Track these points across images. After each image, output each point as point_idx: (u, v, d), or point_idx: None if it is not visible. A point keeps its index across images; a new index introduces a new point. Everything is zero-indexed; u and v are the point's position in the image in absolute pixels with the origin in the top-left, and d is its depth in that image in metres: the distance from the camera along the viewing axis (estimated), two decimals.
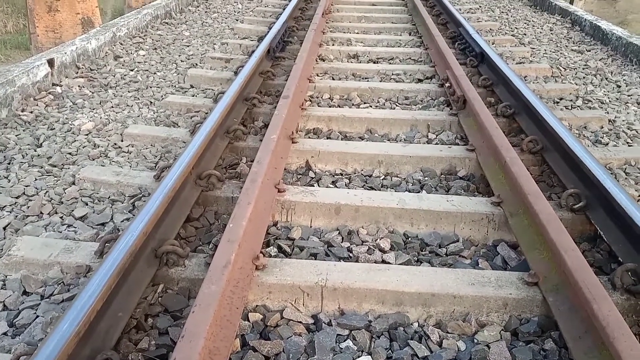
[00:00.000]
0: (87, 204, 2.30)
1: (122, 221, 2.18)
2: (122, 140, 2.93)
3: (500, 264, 2.04)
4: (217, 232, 2.19)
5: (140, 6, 22.31)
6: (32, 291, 1.79)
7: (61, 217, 2.20)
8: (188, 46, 4.85)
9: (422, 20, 5.52)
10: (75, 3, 18.07)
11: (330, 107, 3.59)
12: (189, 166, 2.30)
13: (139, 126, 3.10)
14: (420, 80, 4.13)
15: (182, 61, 4.40)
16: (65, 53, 3.96)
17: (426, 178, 2.69)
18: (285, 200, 2.33)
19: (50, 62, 3.79)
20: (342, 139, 3.14)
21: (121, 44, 4.73)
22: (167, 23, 5.66)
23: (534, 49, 5.03)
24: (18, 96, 3.41)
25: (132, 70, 4.14)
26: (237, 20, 5.95)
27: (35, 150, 2.78)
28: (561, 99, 3.80)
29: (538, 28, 5.92)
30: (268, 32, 4.86)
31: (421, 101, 3.71)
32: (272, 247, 2.09)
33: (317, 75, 4.16)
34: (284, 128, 2.83)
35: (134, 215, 2.21)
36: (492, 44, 5.04)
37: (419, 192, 2.52)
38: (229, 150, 2.87)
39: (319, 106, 3.57)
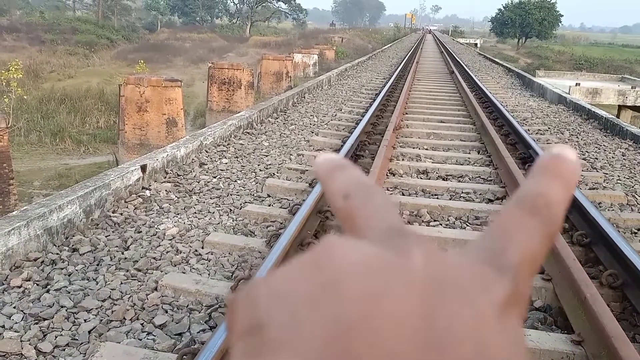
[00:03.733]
0: (167, 312, 2.40)
1: (199, 332, 2.26)
2: (202, 247, 3.09)
3: None
4: None
5: (220, 109, 23.76)
6: None
7: (142, 324, 2.31)
8: (267, 156, 5.16)
9: (491, 140, 5.63)
10: (162, 105, 19.65)
11: None
12: None
13: (219, 234, 3.26)
14: (490, 201, 4.15)
15: (260, 170, 4.68)
16: (157, 159, 4.32)
17: None
18: None
19: (143, 168, 4.12)
20: None
21: (206, 151, 5.11)
22: (248, 133, 6.08)
23: (606, 174, 4.97)
24: (111, 198, 3.71)
25: (215, 177, 4.43)
26: (312, 132, 6.31)
27: (122, 253, 2.97)
28: (639, 229, 3.68)
29: (610, 153, 5.87)
30: (342, 145, 5.11)
31: None
32: None
33: (388, 190, 4.27)
34: None
35: (210, 327, 2.29)
36: None
37: None
38: None
39: None
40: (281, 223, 3.51)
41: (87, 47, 37.60)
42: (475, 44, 57.98)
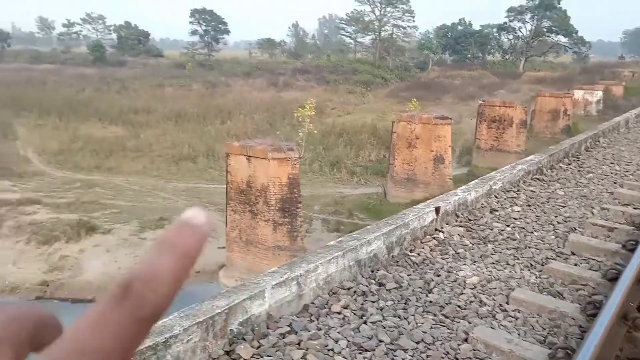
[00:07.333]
0: None
1: None
2: (507, 303, 2.96)
3: None
4: None
5: (489, 147, 23.34)
6: None
7: None
8: (563, 207, 4.76)
9: None
10: (431, 142, 20.27)
11: None
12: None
13: (524, 291, 3.09)
14: None
15: (558, 222, 4.32)
16: (449, 202, 4.36)
17: None
18: None
19: (437, 210, 4.20)
20: None
21: (496, 197, 4.96)
22: (538, 179, 5.73)
23: None
24: (409, 237, 3.86)
25: (508, 226, 4.26)
26: (615, 183, 5.60)
27: (427, 296, 3.03)
28: None
29: None
30: None
31: None
32: None
33: None
34: None
35: None
36: None
37: None
38: (625, 340, 2.58)
39: None
40: (594, 288, 3.14)
41: (364, 85, 41.23)
42: None
